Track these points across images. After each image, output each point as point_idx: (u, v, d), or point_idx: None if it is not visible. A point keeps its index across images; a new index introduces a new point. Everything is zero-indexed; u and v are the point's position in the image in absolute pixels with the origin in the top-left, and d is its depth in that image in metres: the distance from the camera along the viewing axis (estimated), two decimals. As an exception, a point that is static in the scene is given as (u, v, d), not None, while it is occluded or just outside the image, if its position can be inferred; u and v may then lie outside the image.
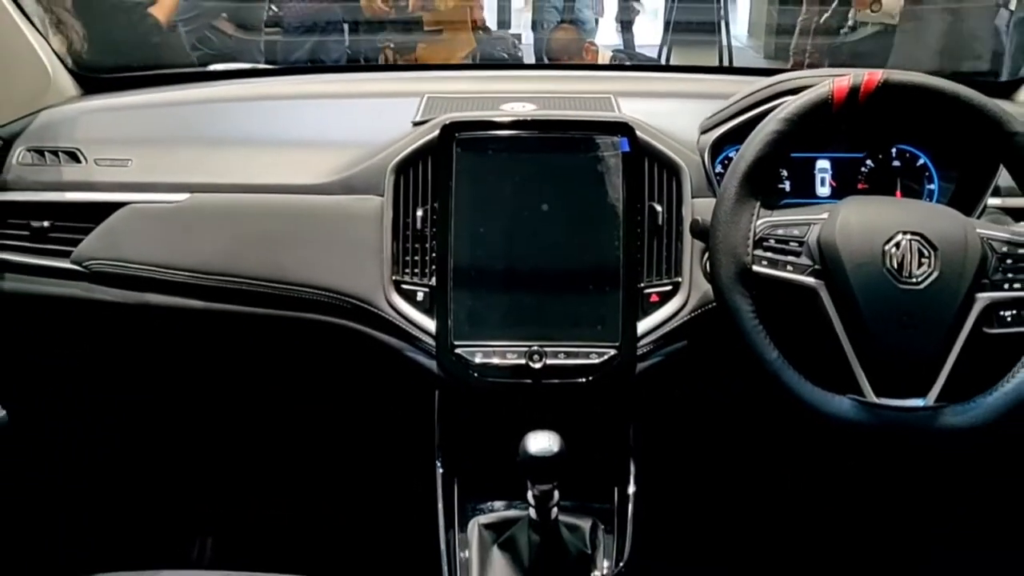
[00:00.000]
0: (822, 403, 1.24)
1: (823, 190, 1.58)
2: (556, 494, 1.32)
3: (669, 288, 1.46)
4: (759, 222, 1.29)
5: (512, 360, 1.43)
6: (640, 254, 1.45)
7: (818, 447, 1.77)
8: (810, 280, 1.27)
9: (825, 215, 1.30)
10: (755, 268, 1.27)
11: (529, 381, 1.43)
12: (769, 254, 1.28)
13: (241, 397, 1.83)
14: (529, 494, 1.33)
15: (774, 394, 1.26)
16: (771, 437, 1.79)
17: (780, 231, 1.29)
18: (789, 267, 1.28)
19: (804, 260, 1.28)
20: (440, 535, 1.47)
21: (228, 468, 1.98)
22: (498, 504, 1.51)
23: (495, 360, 1.43)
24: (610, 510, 1.49)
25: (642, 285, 1.45)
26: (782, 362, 1.25)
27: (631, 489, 1.48)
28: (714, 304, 1.44)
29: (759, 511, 1.93)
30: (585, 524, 1.45)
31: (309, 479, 1.98)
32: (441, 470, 1.51)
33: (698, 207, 1.46)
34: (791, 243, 1.28)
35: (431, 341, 1.45)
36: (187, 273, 1.50)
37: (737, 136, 1.47)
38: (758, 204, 1.30)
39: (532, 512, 1.34)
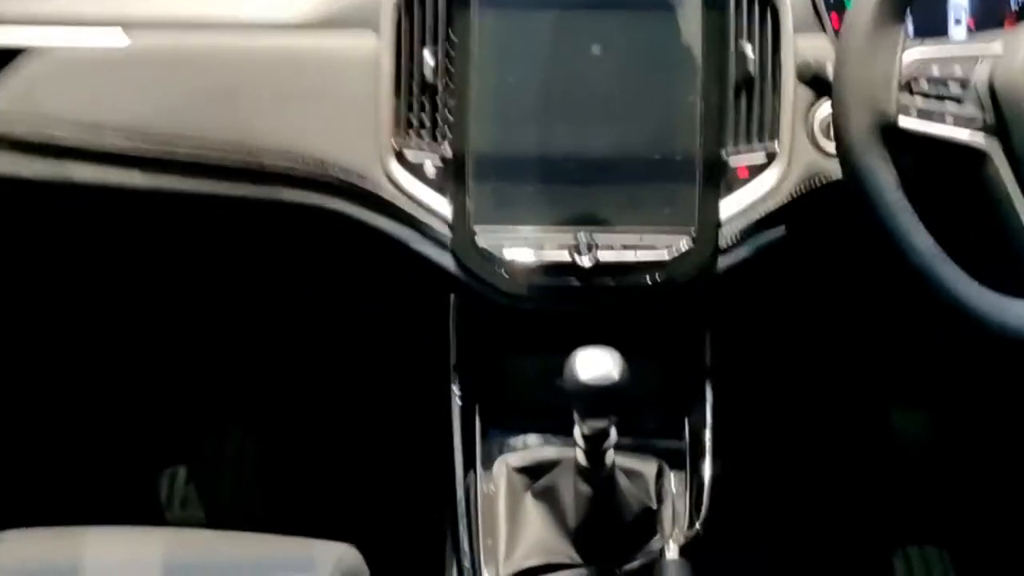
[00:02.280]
0: (992, 309, 0.88)
1: (957, 30, 1.20)
2: (613, 432, 0.98)
3: (763, 158, 1.09)
4: (907, 57, 0.92)
5: (552, 254, 1.08)
6: (724, 112, 1.08)
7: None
8: (979, 139, 0.90)
9: (999, 47, 0.92)
10: (901, 121, 0.90)
11: (575, 282, 1.08)
12: (920, 101, 0.91)
13: (207, 302, 1.49)
14: (576, 431, 0.99)
15: (923, 296, 0.90)
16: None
17: (935, 69, 0.91)
18: (949, 119, 0.90)
19: (970, 110, 0.90)
20: (457, 480, 1.13)
21: (201, 395, 1.66)
22: (533, 439, 1.17)
23: (529, 253, 1.08)
24: (680, 451, 1.15)
25: (726, 154, 1.09)
26: (937, 252, 0.89)
27: (708, 423, 1.14)
28: (823, 180, 1.08)
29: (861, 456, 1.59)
30: (649, 469, 1.11)
31: (302, 406, 1.65)
32: (459, 395, 1.17)
33: (802, 47, 1.08)
34: (951, 85, 0.91)
35: (444, 228, 1.10)
36: (125, 138, 1.13)
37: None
38: (902, 31, 0.92)
39: (580, 455, 1.00)
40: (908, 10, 0.92)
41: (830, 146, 1.08)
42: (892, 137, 0.90)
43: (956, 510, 1.53)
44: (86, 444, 1.65)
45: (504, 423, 1.18)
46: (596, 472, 1.00)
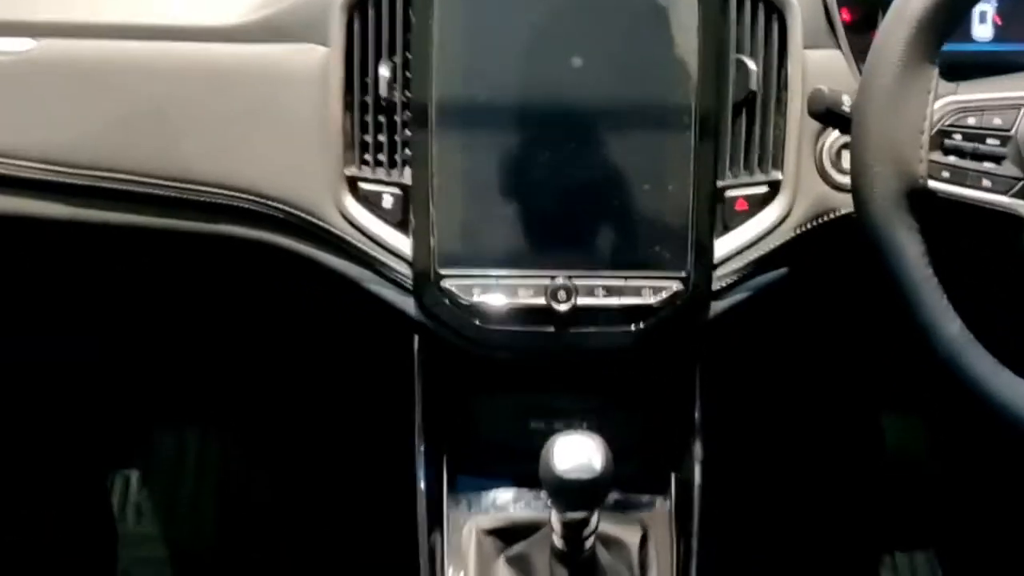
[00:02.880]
0: None
1: (982, 29, 1.06)
2: (595, 520, 0.88)
3: (765, 189, 0.97)
4: (938, 104, 0.78)
5: (526, 299, 0.95)
6: (721, 135, 0.96)
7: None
8: (1019, 204, 0.78)
9: None
10: (931, 184, 0.78)
11: (551, 329, 0.96)
12: (954, 159, 0.78)
13: (158, 308, 1.36)
14: (554, 518, 0.89)
15: (948, 384, 0.79)
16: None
17: (972, 120, 0.79)
18: (986, 181, 0.78)
19: (1010, 169, 0.78)
20: (420, 541, 1.03)
21: (159, 396, 1.55)
22: (505, 495, 1.07)
23: (501, 298, 0.95)
24: (665, 512, 1.05)
25: (723, 185, 0.96)
26: (966, 339, 0.78)
27: (696, 479, 1.03)
28: (832, 216, 0.96)
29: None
30: (631, 537, 1.01)
31: (266, 423, 1.54)
32: (423, 446, 1.06)
33: (813, 65, 0.95)
34: (989, 141, 0.78)
35: (405, 269, 0.97)
36: (38, 163, 0.99)
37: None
38: (936, 73, 0.79)
39: (556, 539, 0.91)
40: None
41: (841, 177, 0.95)
42: (920, 202, 0.78)
43: (949, 528, 1.45)
44: (35, 445, 1.54)
45: (474, 471, 1.08)
46: (574, 555, 0.91)
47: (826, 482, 1.47)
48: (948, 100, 0.79)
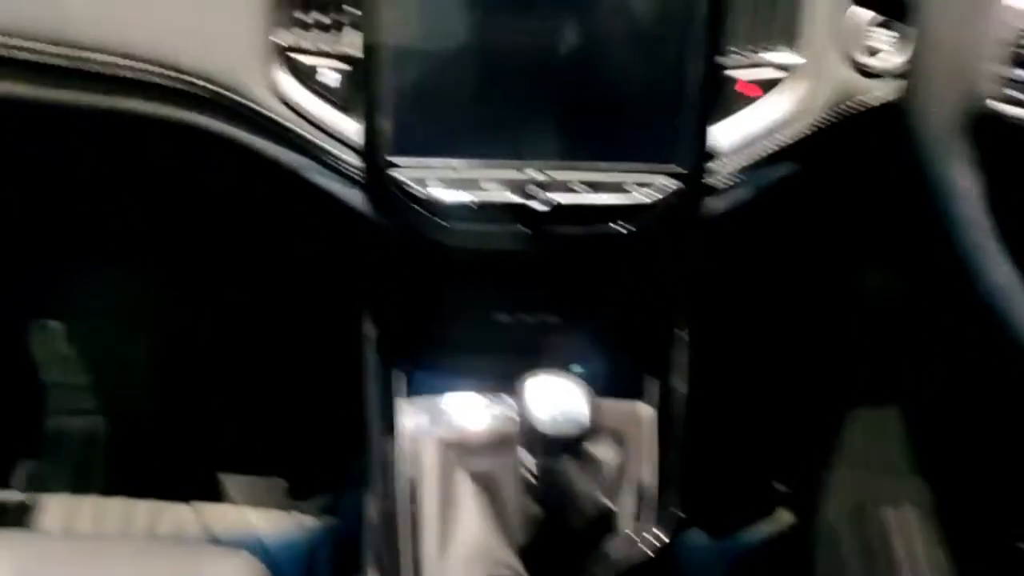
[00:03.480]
0: None
1: None
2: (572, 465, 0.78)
3: (778, 72, 0.81)
4: (1016, 11, 0.63)
5: (496, 194, 0.81)
6: (729, 5, 0.79)
7: None
8: None
9: None
10: (1000, 106, 0.63)
11: (527, 231, 0.83)
12: (1026, 73, 0.63)
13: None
14: (525, 457, 0.79)
15: (991, 334, 0.68)
16: None
17: None
18: None
19: None
20: (373, 449, 0.93)
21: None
22: (468, 399, 0.96)
23: (464, 194, 0.81)
24: (643, 423, 0.95)
25: (729, 63, 0.81)
26: (1013, 286, 0.66)
27: (679, 388, 0.93)
28: (859, 106, 0.81)
29: None
30: (608, 454, 0.91)
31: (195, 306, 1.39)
32: (373, 342, 0.94)
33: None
34: None
35: (351, 157, 0.82)
36: None
37: None
38: None
39: (527, 473, 0.81)
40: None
41: (872, 60, 0.80)
42: (984, 127, 0.64)
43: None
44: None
45: (433, 369, 0.97)
46: (546, 491, 0.82)
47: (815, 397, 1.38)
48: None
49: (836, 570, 1.32)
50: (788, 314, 1.33)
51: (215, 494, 1.39)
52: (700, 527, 1.28)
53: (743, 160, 0.83)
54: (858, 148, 0.85)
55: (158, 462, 1.41)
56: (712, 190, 0.83)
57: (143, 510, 1.37)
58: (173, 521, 1.37)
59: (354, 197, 0.84)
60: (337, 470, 1.32)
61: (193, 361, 1.44)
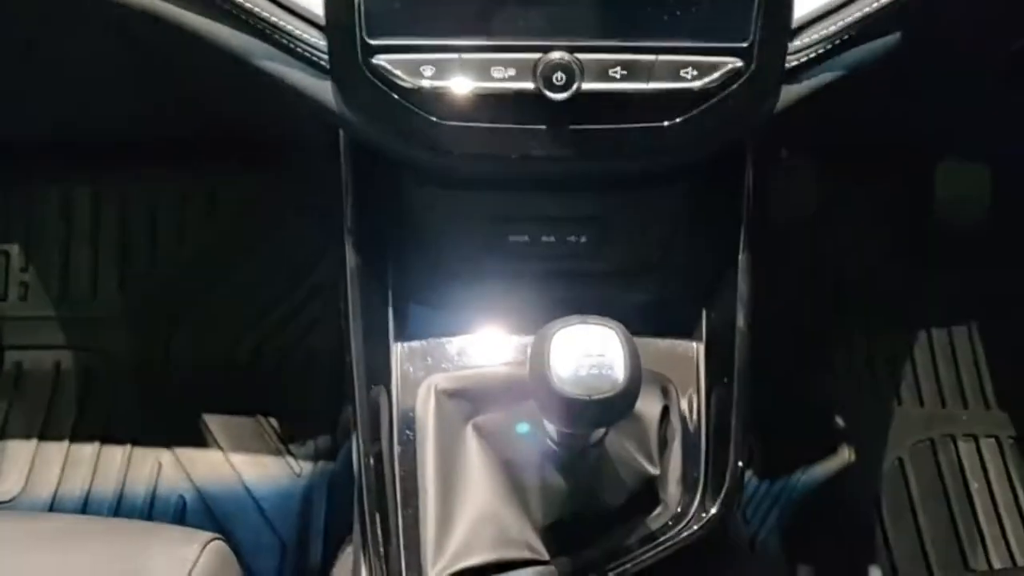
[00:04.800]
0: None
1: None
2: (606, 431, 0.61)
3: None
4: None
5: (504, 81, 0.62)
6: None
7: None
8: None
9: None
10: None
11: (543, 127, 0.64)
12: None
13: None
14: (549, 427, 0.62)
15: None
16: None
17: None
18: None
19: None
20: (357, 402, 0.76)
21: None
22: (473, 341, 0.78)
23: (464, 81, 0.62)
24: (692, 361, 0.77)
25: None
26: None
27: (739, 322, 0.74)
28: None
29: None
30: (650, 408, 0.73)
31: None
32: (356, 266, 0.75)
33: None
34: None
35: (318, 38, 0.63)
36: None
37: None
38: None
39: (551, 443, 0.64)
40: None
41: None
42: None
43: None
44: None
45: (431, 301, 0.79)
46: (574, 463, 0.65)
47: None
48: None
49: (904, 509, 1.16)
50: (851, 221, 1.15)
51: (195, 434, 1.23)
52: (755, 470, 1.12)
53: (826, 32, 0.63)
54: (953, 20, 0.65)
55: (133, 402, 1.25)
56: (789, 72, 0.64)
57: (116, 454, 1.22)
58: (150, 470, 1.21)
59: (324, 91, 0.65)
60: (332, 410, 1.17)
61: (168, 287, 1.27)
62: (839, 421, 1.17)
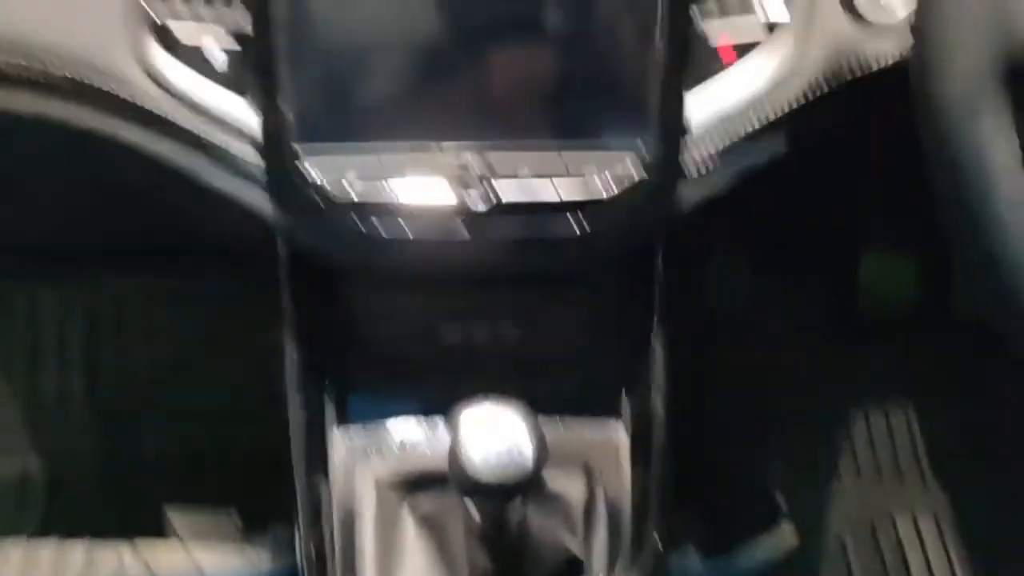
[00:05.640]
0: None
1: None
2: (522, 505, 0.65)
3: (761, 31, 0.67)
4: None
5: (425, 191, 0.67)
6: None
7: None
8: None
9: None
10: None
11: (464, 234, 0.69)
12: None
13: None
14: (468, 503, 0.66)
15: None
16: None
17: None
18: None
19: None
20: (298, 486, 0.79)
21: None
22: (409, 429, 0.81)
23: (388, 191, 0.67)
24: (613, 447, 0.81)
25: (701, 18, 0.66)
26: None
27: (656, 407, 0.79)
28: (860, 68, 0.68)
29: None
30: (574, 488, 0.77)
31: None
32: (296, 360, 0.80)
33: None
34: None
35: (246, 149, 0.68)
36: None
37: None
38: None
39: (473, 520, 0.68)
40: None
41: (875, 10, 0.66)
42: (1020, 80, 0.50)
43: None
44: None
45: (367, 392, 0.83)
46: (497, 538, 0.68)
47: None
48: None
49: None
50: (780, 311, 1.19)
51: (158, 530, 1.26)
52: (693, 552, 1.14)
53: (721, 138, 0.69)
54: (859, 117, 0.70)
55: (96, 499, 1.27)
56: (684, 176, 0.69)
57: (78, 551, 1.23)
58: (112, 563, 1.23)
59: (255, 197, 0.70)
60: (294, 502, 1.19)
61: (127, 391, 1.30)
62: (779, 502, 1.19)
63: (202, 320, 1.26)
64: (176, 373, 1.28)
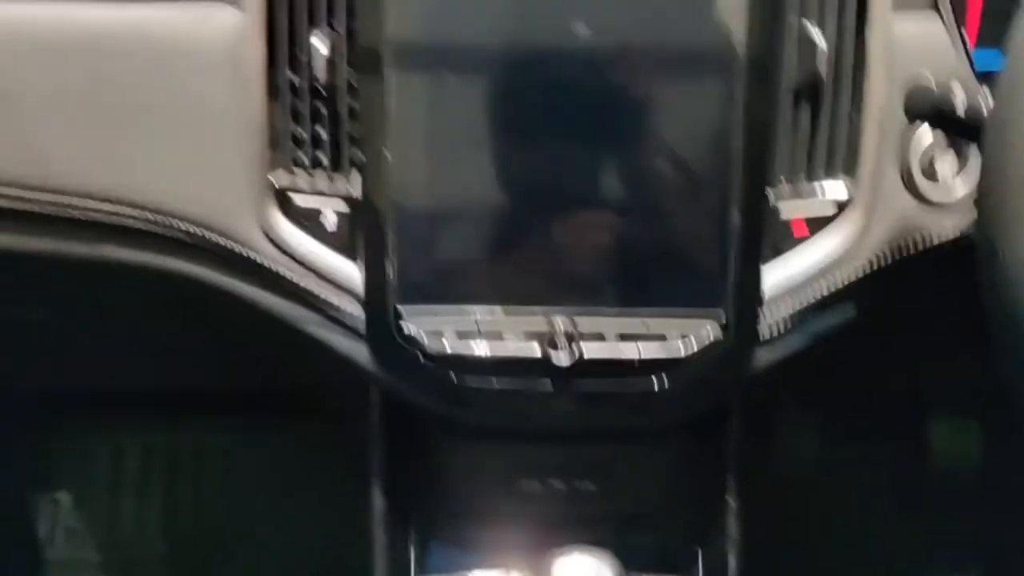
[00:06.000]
0: None
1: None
2: None
3: (831, 207, 0.73)
4: None
5: (515, 347, 0.72)
6: (773, 132, 0.71)
7: None
8: None
9: None
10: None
11: (549, 387, 0.73)
12: None
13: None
14: None
15: None
16: None
17: None
18: None
19: None
20: None
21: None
22: None
23: (481, 346, 0.72)
24: None
25: (776, 198, 0.72)
26: None
27: (730, 561, 0.81)
28: (922, 242, 0.72)
29: None
30: None
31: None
32: (383, 510, 0.84)
33: (901, 38, 0.70)
34: None
35: (354, 307, 0.74)
36: None
37: None
38: None
39: None
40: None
41: (937, 191, 0.72)
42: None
43: None
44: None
45: (449, 542, 0.86)
46: None
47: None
48: None
49: None
50: (850, 474, 1.21)
51: None
52: None
53: (793, 304, 0.73)
54: (922, 290, 0.75)
55: None
56: (760, 339, 0.74)
57: None
58: None
59: (359, 351, 0.75)
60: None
61: (210, 530, 1.34)
62: None
63: (286, 464, 1.30)
64: (257, 517, 1.32)
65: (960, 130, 0.61)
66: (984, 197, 0.55)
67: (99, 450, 1.35)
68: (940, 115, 0.61)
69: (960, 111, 0.60)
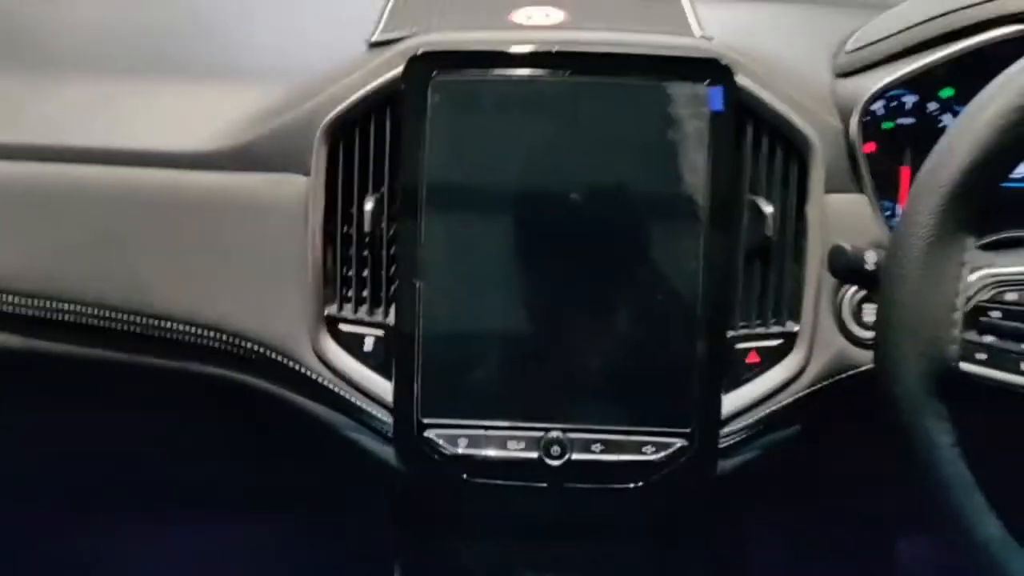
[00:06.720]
0: None
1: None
2: None
3: (778, 342, 0.89)
4: (973, 277, 0.71)
5: (516, 452, 0.88)
6: (732, 283, 0.88)
7: None
8: None
9: None
10: (963, 366, 0.70)
11: (544, 484, 0.89)
12: (991, 340, 0.70)
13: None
14: None
15: None
16: None
17: (1011, 295, 0.71)
18: None
19: None
20: None
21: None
22: None
23: (489, 451, 0.88)
24: None
25: (733, 335, 0.89)
26: (1006, 542, 0.70)
27: None
28: (852, 372, 0.88)
29: None
30: None
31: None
32: None
33: (835, 210, 0.88)
34: None
35: (385, 416, 0.90)
36: None
37: (914, 86, 0.88)
38: (971, 243, 0.72)
39: None
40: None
41: (863, 332, 0.88)
42: (952, 386, 0.70)
43: None
44: None
45: None
46: None
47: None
48: (985, 273, 0.71)
49: None
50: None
51: None
52: None
53: (748, 422, 0.89)
54: (849, 410, 0.90)
55: None
56: (722, 451, 0.89)
57: None
58: None
59: (387, 453, 0.90)
60: None
61: None
62: None
63: (307, 558, 1.42)
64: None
65: (868, 285, 0.77)
66: (883, 334, 0.71)
67: (141, 544, 1.47)
68: (854, 272, 0.77)
69: (871, 268, 0.77)
